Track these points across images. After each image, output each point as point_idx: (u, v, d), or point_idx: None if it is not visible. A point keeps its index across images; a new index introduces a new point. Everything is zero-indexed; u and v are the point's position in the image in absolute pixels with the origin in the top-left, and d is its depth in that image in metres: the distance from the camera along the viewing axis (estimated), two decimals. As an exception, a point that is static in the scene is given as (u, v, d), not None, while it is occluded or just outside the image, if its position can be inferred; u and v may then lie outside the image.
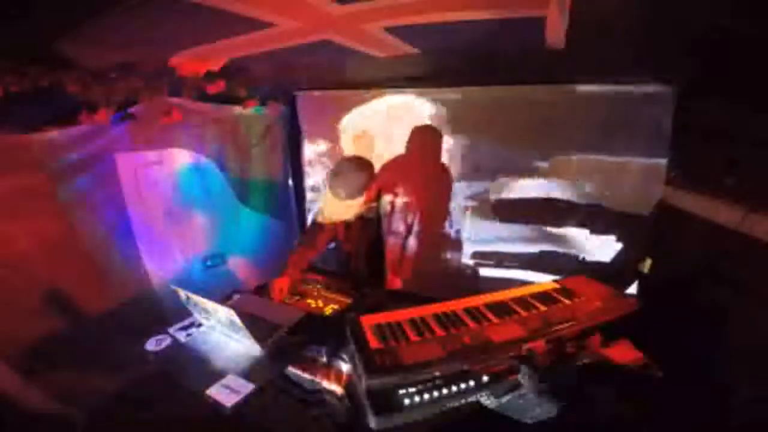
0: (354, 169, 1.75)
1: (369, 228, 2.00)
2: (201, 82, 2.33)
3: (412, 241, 2.06)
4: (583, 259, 2.69)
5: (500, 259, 2.93)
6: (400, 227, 1.99)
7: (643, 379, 1.30)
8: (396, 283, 2.08)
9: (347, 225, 2.02)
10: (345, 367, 1.40)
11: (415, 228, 2.06)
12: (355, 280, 2.02)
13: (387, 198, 1.93)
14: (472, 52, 2.02)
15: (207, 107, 2.76)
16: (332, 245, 2.15)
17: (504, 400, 1.22)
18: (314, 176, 3.47)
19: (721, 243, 1.88)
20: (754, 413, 1.50)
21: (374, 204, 1.89)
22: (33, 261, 2.07)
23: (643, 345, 1.40)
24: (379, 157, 2.78)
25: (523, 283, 2.32)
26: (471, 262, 3.02)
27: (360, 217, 1.90)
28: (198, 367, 1.44)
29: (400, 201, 1.95)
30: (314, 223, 2.08)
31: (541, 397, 1.20)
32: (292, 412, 1.36)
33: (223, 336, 1.57)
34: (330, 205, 1.80)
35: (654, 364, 1.33)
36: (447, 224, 2.95)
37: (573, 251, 2.71)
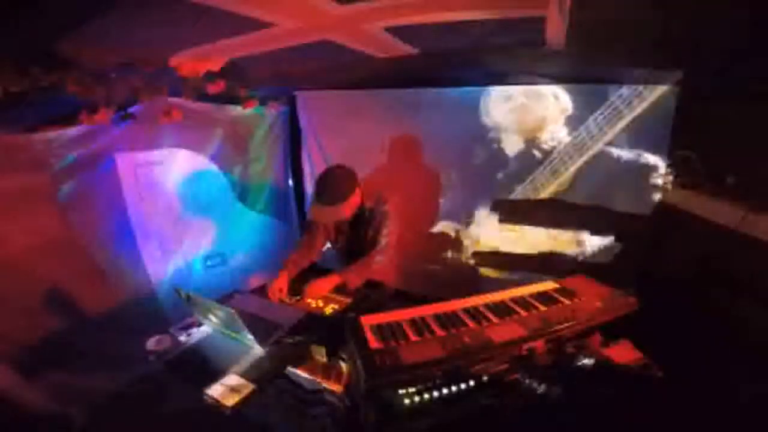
0: (336, 178, 1.82)
1: (357, 231, 2.03)
2: (201, 82, 2.33)
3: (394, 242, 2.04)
4: (583, 259, 2.69)
5: (500, 260, 2.93)
6: (384, 229, 1.97)
7: (643, 379, 1.30)
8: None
9: (337, 227, 2.08)
10: (345, 367, 1.40)
11: (398, 231, 2.04)
12: None
13: (372, 203, 1.96)
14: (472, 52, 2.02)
15: (207, 107, 2.76)
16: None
17: (504, 400, 1.22)
18: (313, 176, 3.48)
19: (721, 243, 1.88)
20: (753, 413, 1.50)
21: (359, 210, 1.92)
22: (33, 261, 2.07)
23: (643, 345, 1.40)
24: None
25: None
26: (471, 262, 3.03)
27: (348, 221, 1.96)
28: (198, 367, 1.44)
29: (385, 206, 1.96)
30: (309, 223, 2.12)
31: (541, 397, 1.20)
32: (292, 412, 1.36)
33: (223, 336, 1.57)
34: (315, 210, 1.86)
35: (654, 364, 1.33)
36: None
37: (573, 251, 2.71)
